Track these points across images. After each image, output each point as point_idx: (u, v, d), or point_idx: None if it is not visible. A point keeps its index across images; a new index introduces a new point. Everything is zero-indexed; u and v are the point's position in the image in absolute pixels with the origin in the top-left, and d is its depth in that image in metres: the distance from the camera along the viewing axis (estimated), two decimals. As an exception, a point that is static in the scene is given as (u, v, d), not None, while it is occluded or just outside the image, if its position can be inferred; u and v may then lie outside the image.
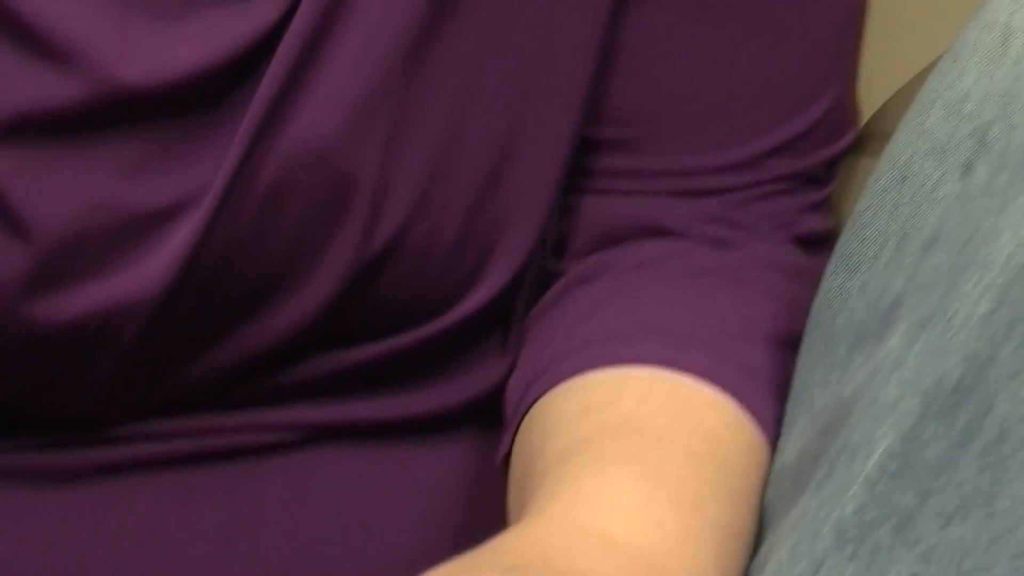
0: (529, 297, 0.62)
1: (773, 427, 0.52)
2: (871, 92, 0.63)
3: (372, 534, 0.60)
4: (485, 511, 0.58)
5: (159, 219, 0.55)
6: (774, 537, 0.48)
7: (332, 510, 0.60)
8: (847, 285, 0.50)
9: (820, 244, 0.60)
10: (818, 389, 0.50)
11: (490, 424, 0.61)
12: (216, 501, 0.59)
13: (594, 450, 0.50)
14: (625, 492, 0.47)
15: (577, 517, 0.47)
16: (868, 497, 0.45)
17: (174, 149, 0.55)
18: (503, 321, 0.62)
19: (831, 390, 0.49)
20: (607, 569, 0.44)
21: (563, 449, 0.51)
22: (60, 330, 0.55)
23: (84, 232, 0.54)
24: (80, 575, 0.59)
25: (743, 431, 0.52)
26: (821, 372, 0.50)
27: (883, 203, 0.50)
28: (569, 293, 0.60)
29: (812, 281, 0.54)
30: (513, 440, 0.57)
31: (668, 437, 0.50)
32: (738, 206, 0.59)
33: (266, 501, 0.60)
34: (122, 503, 0.59)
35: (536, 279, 0.62)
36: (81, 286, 0.55)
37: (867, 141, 0.63)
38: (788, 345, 0.54)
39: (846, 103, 0.61)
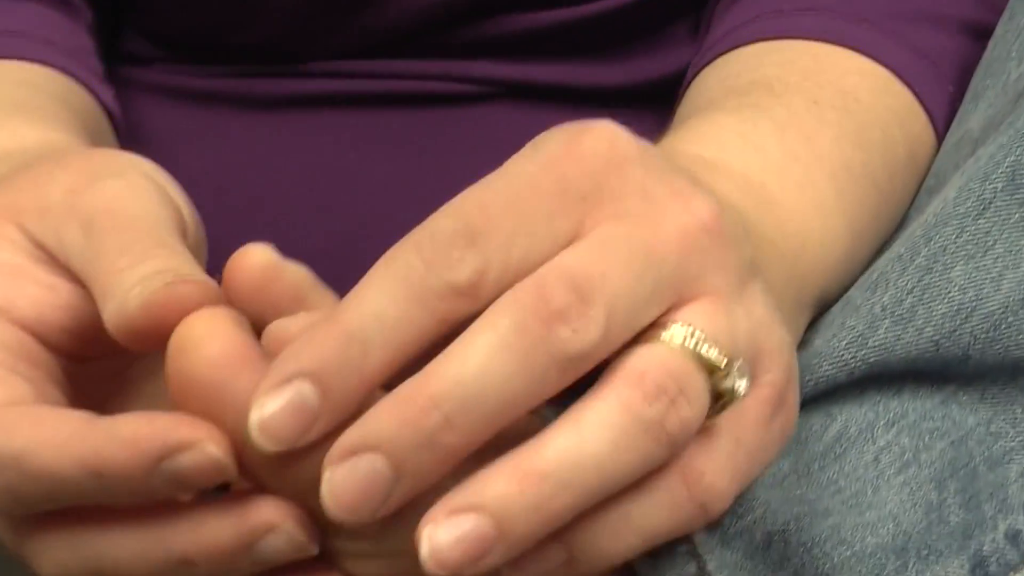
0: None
1: (941, 108, 0.50)
2: None
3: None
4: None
5: None
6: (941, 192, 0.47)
7: None
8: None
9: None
10: (1015, 61, 0.48)
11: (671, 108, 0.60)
12: (399, 142, 0.60)
13: (714, 104, 0.48)
14: (725, 126, 0.46)
15: (672, 146, 0.46)
16: (1050, 146, 0.43)
17: None
18: (695, 6, 0.60)
19: (1029, 60, 0.47)
20: (697, 169, 0.42)
21: (687, 112, 0.50)
22: None
23: None
24: (260, 196, 0.60)
25: (893, 96, 0.50)
26: (1021, 42, 0.47)
27: None
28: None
29: None
30: None
31: (794, 88, 0.48)
32: None
33: (446, 149, 0.60)
34: (309, 134, 0.60)
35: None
36: None
37: None
38: (975, 34, 0.52)
39: None
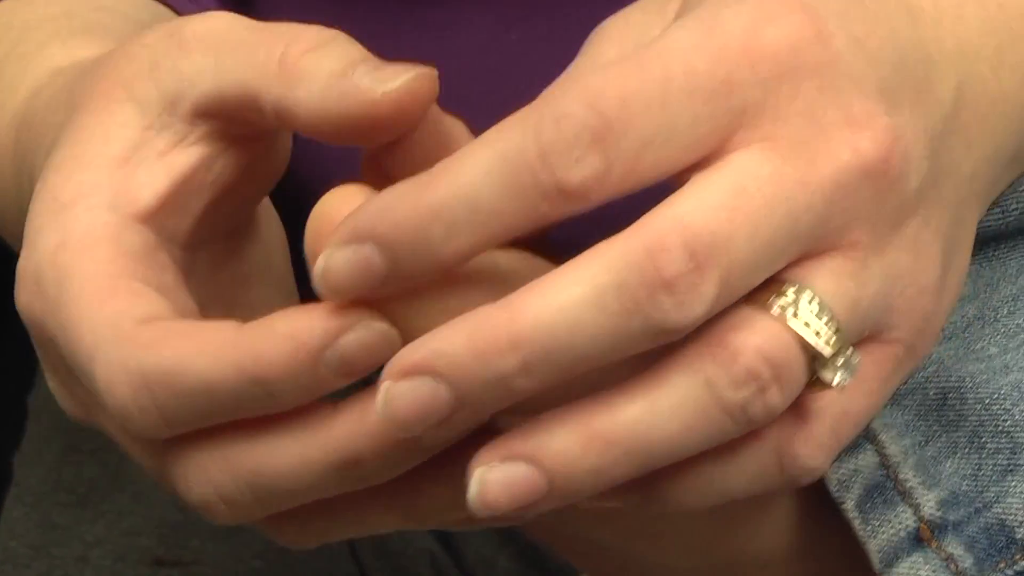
0: None
1: None
2: None
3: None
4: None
5: None
6: None
7: None
8: None
9: None
10: None
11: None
12: (560, 24, 0.55)
13: None
14: None
15: None
16: None
17: None
18: None
19: None
20: None
21: None
22: None
23: None
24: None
25: None
26: None
27: None
28: None
29: None
30: None
31: None
32: None
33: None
34: (465, 20, 0.55)
35: None
36: None
37: None
38: None
39: None
